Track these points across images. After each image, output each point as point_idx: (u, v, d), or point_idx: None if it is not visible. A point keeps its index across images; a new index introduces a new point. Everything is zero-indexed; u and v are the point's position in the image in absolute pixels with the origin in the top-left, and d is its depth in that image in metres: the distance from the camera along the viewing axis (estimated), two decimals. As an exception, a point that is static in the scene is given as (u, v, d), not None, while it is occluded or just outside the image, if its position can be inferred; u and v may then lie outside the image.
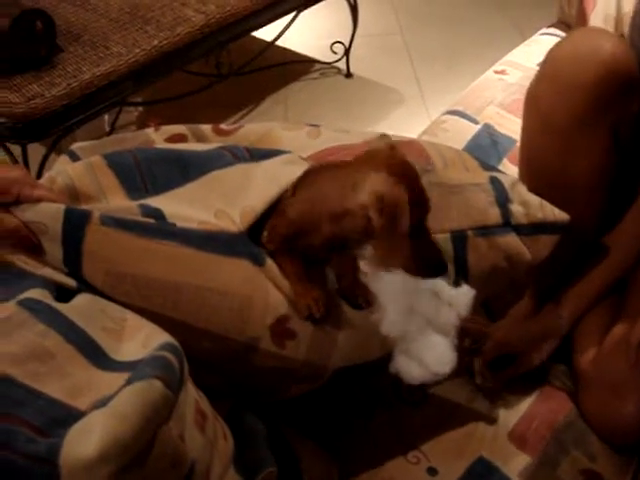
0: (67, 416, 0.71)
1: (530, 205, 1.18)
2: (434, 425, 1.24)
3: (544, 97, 1.26)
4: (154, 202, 1.06)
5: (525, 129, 1.36)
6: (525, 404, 1.27)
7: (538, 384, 1.31)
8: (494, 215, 1.16)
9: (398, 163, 0.96)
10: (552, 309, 1.31)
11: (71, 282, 0.94)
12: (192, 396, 0.82)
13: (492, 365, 1.29)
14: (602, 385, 1.20)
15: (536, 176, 1.32)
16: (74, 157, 1.18)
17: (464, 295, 1.04)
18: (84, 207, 1.02)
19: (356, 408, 1.24)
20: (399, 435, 1.22)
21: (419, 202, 0.95)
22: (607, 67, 1.19)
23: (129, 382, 0.73)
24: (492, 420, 1.25)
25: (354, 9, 2.65)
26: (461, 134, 1.69)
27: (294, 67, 2.80)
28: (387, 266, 0.96)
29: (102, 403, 0.72)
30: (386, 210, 0.91)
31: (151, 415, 0.71)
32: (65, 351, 0.79)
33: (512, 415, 1.26)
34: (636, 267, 1.30)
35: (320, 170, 1.06)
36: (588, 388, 1.23)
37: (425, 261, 0.97)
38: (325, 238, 1.00)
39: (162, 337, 0.84)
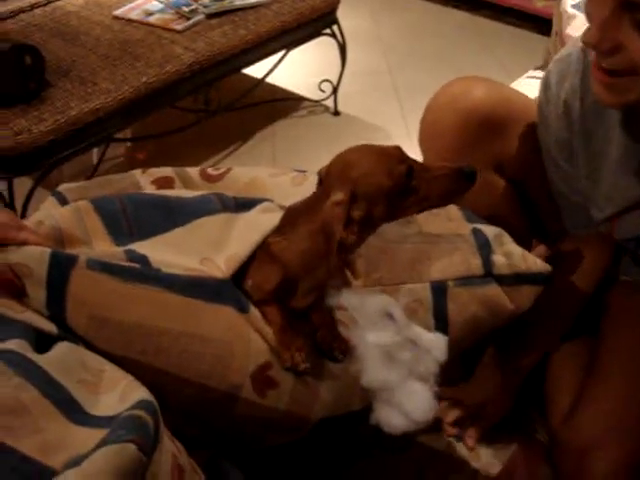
0: (39, 475, 0.70)
1: (513, 256, 1.17)
2: (415, 473, 1.24)
3: (421, 141, 1.34)
4: (140, 248, 1.06)
5: None
6: (506, 454, 1.28)
7: (520, 435, 1.32)
8: (475, 265, 1.16)
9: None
10: (507, 363, 1.32)
11: (52, 328, 0.94)
12: (169, 452, 0.81)
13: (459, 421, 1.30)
14: (573, 444, 1.19)
15: None
16: (60, 198, 1.18)
17: (440, 339, 1.05)
18: (70, 251, 1.01)
19: (334, 456, 1.24)
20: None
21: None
22: (466, 113, 1.25)
23: (104, 443, 0.72)
24: (473, 469, 1.25)
25: (342, 48, 2.67)
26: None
27: (282, 104, 2.81)
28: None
29: (75, 462, 0.71)
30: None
31: (122, 478, 0.71)
32: (41, 405, 0.78)
33: (493, 465, 1.27)
34: (604, 323, 1.30)
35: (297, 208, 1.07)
36: (560, 447, 1.23)
37: None
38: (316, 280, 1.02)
39: (139, 393, 0.83)
